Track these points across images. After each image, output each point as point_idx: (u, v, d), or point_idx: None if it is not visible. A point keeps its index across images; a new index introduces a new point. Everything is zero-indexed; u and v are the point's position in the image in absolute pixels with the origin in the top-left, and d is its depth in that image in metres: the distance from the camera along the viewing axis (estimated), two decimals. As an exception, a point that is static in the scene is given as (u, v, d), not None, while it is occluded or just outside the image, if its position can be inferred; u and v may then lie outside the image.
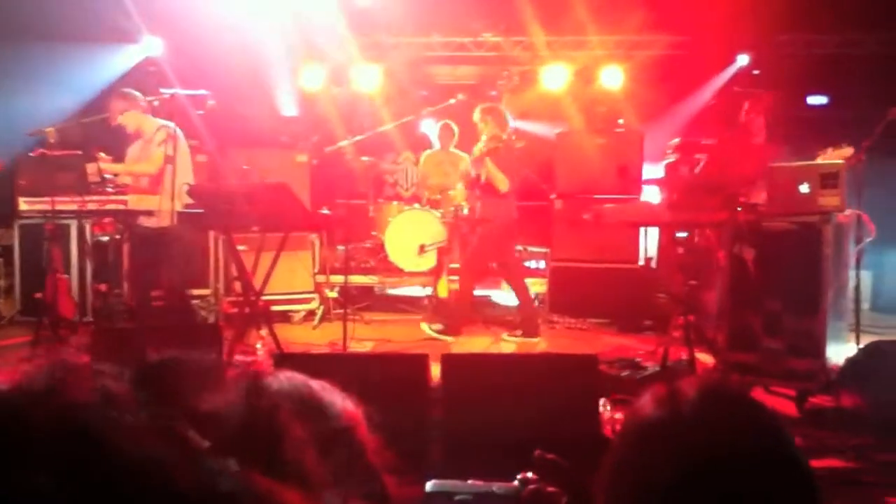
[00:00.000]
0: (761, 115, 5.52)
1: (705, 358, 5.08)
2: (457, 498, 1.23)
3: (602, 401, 3.99)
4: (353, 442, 0.91)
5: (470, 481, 1.29)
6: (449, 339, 6.42)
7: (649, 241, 7.64)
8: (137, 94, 6.02)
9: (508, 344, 6.45)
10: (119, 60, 8.72)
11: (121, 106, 5.90)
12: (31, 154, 5.85)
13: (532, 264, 8.59)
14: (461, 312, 6.64)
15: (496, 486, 1.30)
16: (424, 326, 6.59)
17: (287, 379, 0.92)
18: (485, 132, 6.55)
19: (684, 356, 4.85)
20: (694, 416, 0.94)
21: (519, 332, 6.58)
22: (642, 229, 7.45)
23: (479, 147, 6.56)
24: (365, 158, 8.59)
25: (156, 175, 5.85)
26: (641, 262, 7.57)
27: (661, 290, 7.06)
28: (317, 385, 0.94)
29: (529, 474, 1.31)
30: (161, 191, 5.73)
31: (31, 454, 0.57)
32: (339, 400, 0.94)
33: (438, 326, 6.55)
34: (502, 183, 6.46)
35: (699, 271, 5.80)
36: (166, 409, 0.65)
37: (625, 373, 5.07)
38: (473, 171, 6.75)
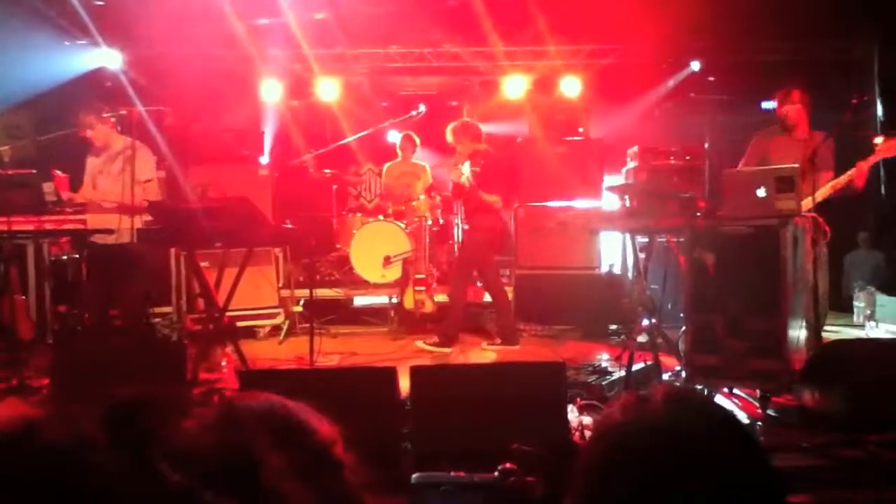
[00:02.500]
0: (797, 106, 5.60)
1: (670, 361, 5.15)
2: (442, 488, 1.25)
3: (570, 407, 4.03)
4: (331, 461, 0.91)
5: (452, 473, 1.31)
6: (447, 349, 6.39)
7: (611, 247, 7.73)
8: (104, 108, 5.94)
9: (490, 353, 6.45)
10: (74, 61, 8.50)
11: (91, 120, 5.81)
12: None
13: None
14: (453, 322, 6.56)
15: (477, 477, 1.33)
16: (420, 343, 6.49)
17: (263, 401, 0.92)
18: (462, 152, 6.53)
19: (649, 360, 4.91)
20: (659, 421, 0.97)
21: (498, 340, 6.59)
22: (604, 235, 7.54)
23: (465, 177, 6.47)
24: (327, 171, 8.57)
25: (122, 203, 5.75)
26: (605, 268, 7.66)
27: (625, 296, 7.15)
28: (293, 405, 0.94)
29: (508, 465, 1.33)
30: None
31: (7, 498, 0.56)
32: (315, 419, 0.94)
33: (434, 339, 6.48)
34: (497, 203, 6.54)
35: (661, 276, 5.89)
36: (139, 447, 0.65)
37: (592, 378, 5.11)
38: (468, 180, 6.59)
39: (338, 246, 8.43)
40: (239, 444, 0.78)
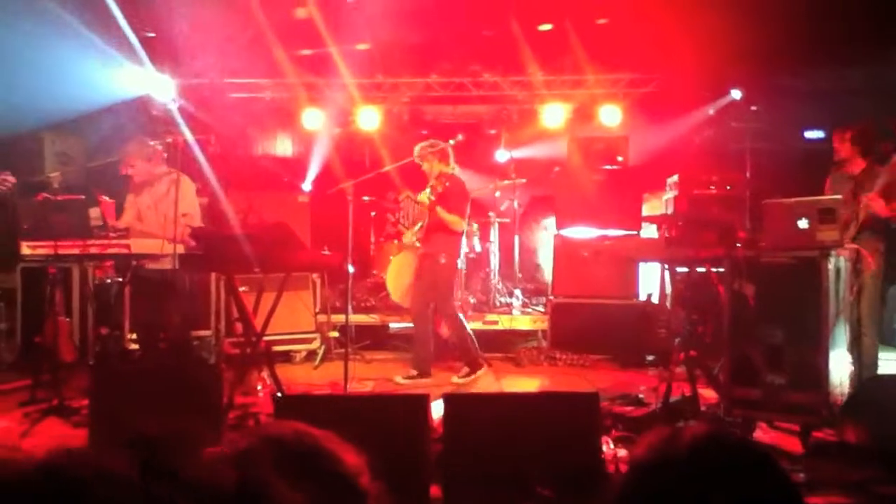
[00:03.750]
0: (846, 143, 5.63)
1: (708, 394, 5.05)
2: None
3: (606, 438, 3.97)
4: (357, 491, 0.92)
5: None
6: (426, 380, 6.35)
7: (650, 277, 7.64)
8: (150, 142, 6.10)
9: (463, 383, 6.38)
10: (123, 86, 8.64)
11: (135, 155, 5.98)
12: (34, 198, 5.89)
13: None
14: (424, 354, 6.52)
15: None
16: (398, 378, 6.44)
17: (289, 431, 0.92)
18: (430, 172, 6.53)
19: (687, 392, 4.82)
20: (682, 463, 0.95)
21: (466, 370, 6.48)
22: (643, 265, 7.47)
23: (425, 194, 6.43)
24: (366, 198, 8.64)
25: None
26: (642, 298, 7.57)
27: (663, 326, 7.05)
28: (320, 435, 0.94)
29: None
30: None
31: None
32: (341, 449, 0.94)
33: (413, 373, 6.44)
34: (457, 224, 6.49)
35: (700, 306, 5.80)
36: (163, 485, 0.66)
37: (627, 409, 5.03)
38: (425, 220, 6.68)
39: (374, 272, 8.47)
40: (257, 488, 0.78)
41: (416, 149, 6.58)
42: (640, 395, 5.45)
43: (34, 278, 6.92)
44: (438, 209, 6.34)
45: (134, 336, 6.65)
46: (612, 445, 4.02)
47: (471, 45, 9.06)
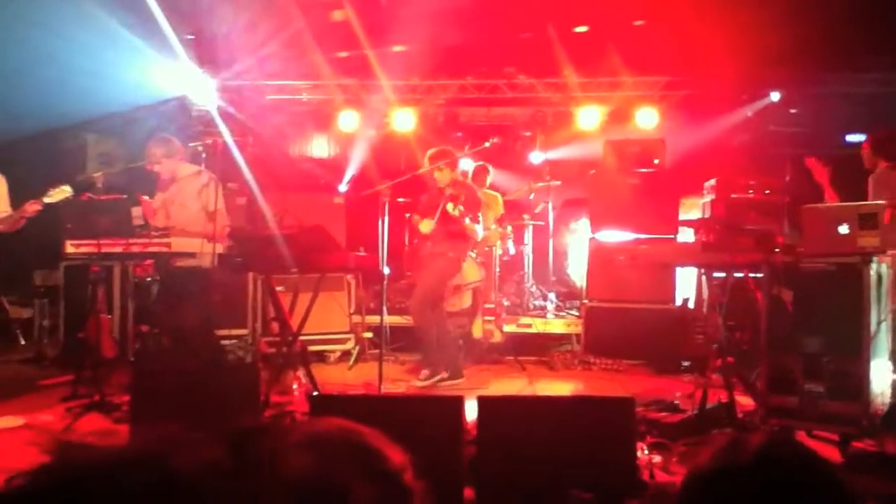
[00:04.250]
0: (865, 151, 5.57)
1: (745, 401, 4.99)
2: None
3: (640, 444, 3.95)
4: (402, 488, 0.93)
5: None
6: (458, 380, 6.34)
7: (686, 281, 7.57)
8: (175, 140, 6.20)
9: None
10: (168, 83, 8.76)
11: (158, 152, 6.08)
12: (78, 198, 6.03)
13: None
14: (451, 353, 6.46)
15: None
16: (417, 382, 6.36)
17: (336, 427, 0.94)
18: (441, 180, 6.48)
19: (723, 399, 4.77)
20: (749, 472, 0.94)
21: (445, 374, 6.35)
22: (679, 269, 7.40)
23: (455, 207, 6.32)
24: (401, 200, 8.68)
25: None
26: (678, 303, 7.50)
27: (699, 332, 6.98)
28: (366, 431, 0.96)
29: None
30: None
31: None
32: (386, 446, 0.96)
33: (444, 374, 6.35)
34: (478, 233, 6.50)
35: (737, 312, 5.73)
36: (257, 474, 0.68)
37: (662, 416, 5.00)
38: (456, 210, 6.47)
39: (408, 273, 8.51)
40: (330, 474, 0.80)
41: (427, 161, 6.53)
42: (676, 402, 5.40)
43: (77, 276, 7.08)
44: (467, 221, 6.34)
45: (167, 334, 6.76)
46: (646, 451, 3.99)
47: (506, 47, 9.06)
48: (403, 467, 0.97)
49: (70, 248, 5.72)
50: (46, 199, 5.68)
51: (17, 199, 5.93)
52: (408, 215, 7.49)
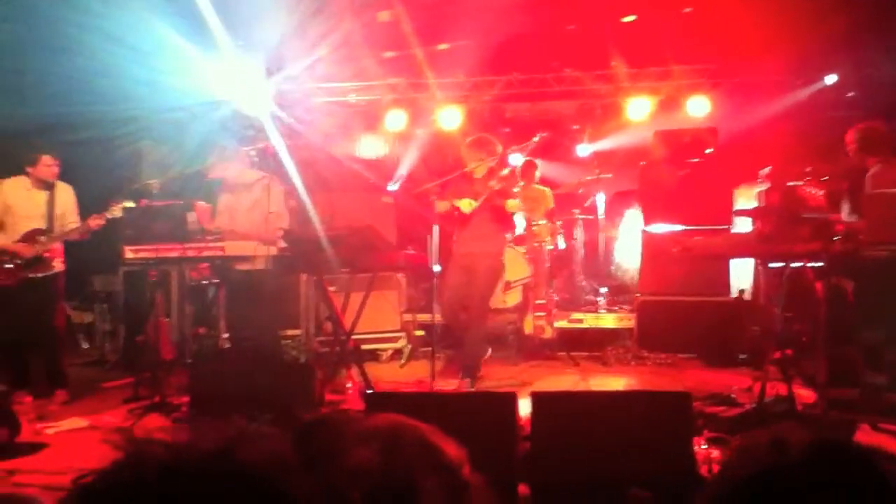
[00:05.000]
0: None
1: (804, 394, 4.87)
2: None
3: (697, 439, 3.88)
4: (460, 482, 0.94)
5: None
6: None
7: (742, 273, 7.41)
8: (236, 146, 6.33)
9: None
10: (220, 89, 8.86)
11: (222, 157, 6.22)
12: (135, 204, 6.19)
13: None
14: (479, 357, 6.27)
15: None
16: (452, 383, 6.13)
17: (395, 423, 0.96)
18: (477, 171, 6.21)
19: (782, 392, 4.66)
20: (798, 470, 0.91)
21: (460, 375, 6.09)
22: (734, 260, 7.25)
23: (516, 203, 6.24)
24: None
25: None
26: (734, 295, 7.35)
27: (756, 324, 6.83)
28: (424, 427, 0.97)
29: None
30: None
31: None
32: (443, 441, 0.97)
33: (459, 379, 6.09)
34: (519, 225, 6.41)
35: (795, 303, 5.59)
36: (323, 467, 0.69)
37: (719, 410, 4.90)
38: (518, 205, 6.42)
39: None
40: (400, 469, 0.82)
41: (465, 150, 6.37)
42: (733, 396, 5.30)
43: (135, 281, 7.27)
44: (519, 210, 6.29)
45: (227, 335, 6.91)
46: (704, 446, 3.92)
47: (552, 40, 8.98)
48: (461, 462, 0.98)
49: (129, 253, 5.89)
50: (109, 215, 5.84)
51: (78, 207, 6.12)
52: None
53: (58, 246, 5.95)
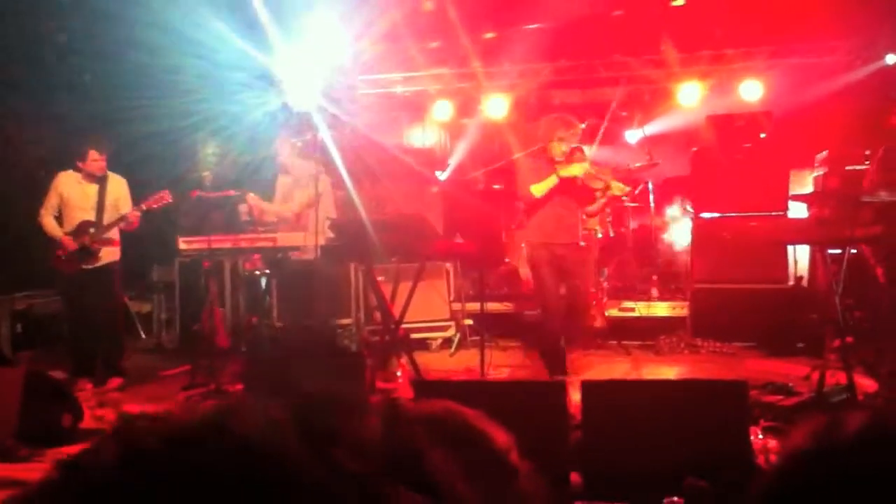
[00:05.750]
0: None
1: (865, 383, 4.73)
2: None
3: (753, 429, 3.81)
4: (507, 468, 0.94)
5: None
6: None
7: (799, 259, 7.23)
8: (290, 138, 6.45)
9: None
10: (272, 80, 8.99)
11: (284, 145, 6.33)
12: (189, 195, 6.34)
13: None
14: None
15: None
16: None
17: (440, 407, 0.96)
18: (557, 152, 5.87)
19: (842, 381, 4.53)
20: (851, 454, 0.88)
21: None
22: (791, 247, 7.07)
23: (619, 186, 5.94)
24: (496, 186, 8.68)
25: (296, 216, 6.20)
26: (791, 282, 7.17)
27: (814, 311, 6.65)
28: (469, 412, 0.97)
29: (675, 499, 1.29)
30: (306, 227, 6.04)
31: (206, 486, 0.62)
32: (491, 427, 0.97)
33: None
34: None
35: (855, 289, 5.43)
36: (322, 440, 0.69)
37: (776, 399, 4.80)
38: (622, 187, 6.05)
39: (506, 260, 8.50)
40: (401, 438, 0.81)
41: (548, 127, 5.98)
42: (791, 385, 5.17)
43: (190, 271, 7.43)
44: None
45: (280, 324, 7.02)
46: (761, 436, 3.84)
47: (600, 25, 8.86)
48: (508, 447, 0.98)
49: (183, 244, 6.02)
50: (145, 206, 5.98)
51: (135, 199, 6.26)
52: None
53: (112, 237, 6.10)
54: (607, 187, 5.87)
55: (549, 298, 5.92)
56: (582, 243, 6.11)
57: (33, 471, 3.98)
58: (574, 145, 6.02)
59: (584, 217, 6.26)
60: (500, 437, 0.97)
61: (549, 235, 5.83)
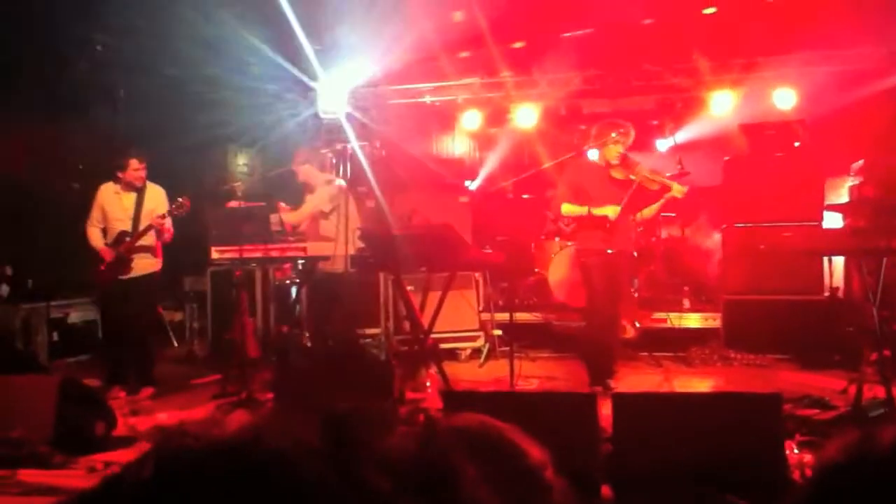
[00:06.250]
0: None
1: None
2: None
3: (788, 443, 3.74)
4: (542, 484, 0.93)
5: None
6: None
7: (835, 270, 7.10)
8: (315, 149, 6.51)
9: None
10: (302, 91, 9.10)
11: (301, 159, 6.38)
12: (221, 206, 6.40)
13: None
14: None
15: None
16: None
17: (475, 421, 0.95)
18: (610, 156, 5.70)
19: (879, 395, 4.44)
20: (886, 466, 0.87)
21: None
22: (826, 258, 6.95)
23: (679, 188, 5.57)
24: (525, 196, 8.66)
25: (307, 225, 6.26)
26: (826, 293, 7.04)
27: (851, 323, 6.53)
28: (504, 427, 0.96)
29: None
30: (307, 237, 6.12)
31: (231, 499, 0.62)
32: (526, 442, 0.96)
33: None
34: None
35: (893, 301, 5.32)
36: (350, 456, 0.69)
37: (812, 413, 4.71)
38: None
39: (536, 270, 8.47)
40: (437, 456, 0.81)
41: (603, 132, 5.76)
42: (827, 398, 5.07)
43: (222, 281, 7.50)
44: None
45: (309, 334, 7.05)
46: (796, 450, 3.77)
47: (630, 34, 8.81)
48: (543, 463, 0.96)
49: (215, 253, 6.08)
50: (167, 214, 6.06)
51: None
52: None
53: (150, 247, 6.16)
54: (664, 189, 5.62)
55: (602, 306, 5.75)
56: (634, 253, 5.99)
57: (68, 477, 4.03)
58: (622, 148, 5.74)
59: (636, 220, 6.01)
60: (535, 452, 0.96)
61: (603, 242, 5.65)
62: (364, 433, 0.77)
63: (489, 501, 0.79)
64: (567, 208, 5.78)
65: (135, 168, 6.10)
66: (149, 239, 6.15)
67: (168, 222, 6.16)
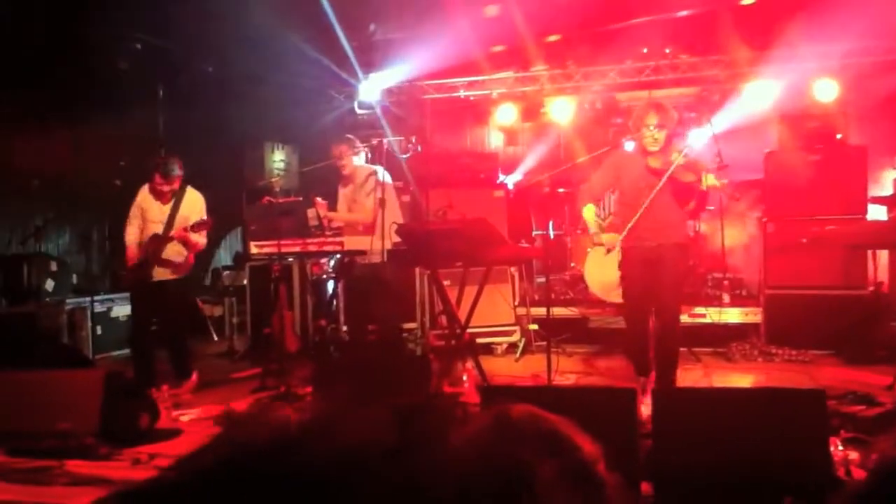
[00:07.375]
0: None
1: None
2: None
3: (833, 440, 3.67)
4: (596, 479, 0.91)
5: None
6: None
7: (879, 264, 6.95)
8: (355, 140, 6.51)
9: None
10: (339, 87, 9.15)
11: (343, 150, 6.39)
12: (259, 202, 6.46)
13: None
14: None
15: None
16: None
17: (528, 413, 0.93)
18: (651, 139, 5.27)
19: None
20: None
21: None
22: (870, 251, 6.80)
23: (711, 178, 5.09)
24: (561, 190, 8.61)
25: (371, 222, 6.24)
26: (871, 288, 6.90)
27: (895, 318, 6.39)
28: (557, 419, 0.94)
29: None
30: (374, 231, 6.09)
31: (308, 489, 0.63)
32: (579, 435, 0.94)
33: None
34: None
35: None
36: (423, 450, 0.69)
37: (857, 409, 4.61)
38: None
39: (572, 265, 8.42)
40: (510, 453, 0.80)
41: (636, 114, 5.42)
42: (872, 394, 4.97)
43: (260, 276, 7.58)
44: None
45: (347, 328, 7.10)
46: (841, 447, 3.70)
47: (665, 26, 8.70)
48: (596, 457, 0.95)
49: (254, 248, 6.14)
50: (188, 230, 5.89)
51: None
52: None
53: (179, 252, 6.01)
54: (699, 180, 5.15)
55: (637, 301, 5.50)
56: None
57: (113, 468, 4.12)
58: (664, 132, 5.28)
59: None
60: (588, 446, 0.94)
61: (641, 236, 5.34)
62: (432, 427, 0.77)
63: (563, 500, 0.78)
64: (587, 213, 5.61)
65: (158, 183, 5.94)
66: (174, 249, 5.97)
67: (195, 236, 5.94)
